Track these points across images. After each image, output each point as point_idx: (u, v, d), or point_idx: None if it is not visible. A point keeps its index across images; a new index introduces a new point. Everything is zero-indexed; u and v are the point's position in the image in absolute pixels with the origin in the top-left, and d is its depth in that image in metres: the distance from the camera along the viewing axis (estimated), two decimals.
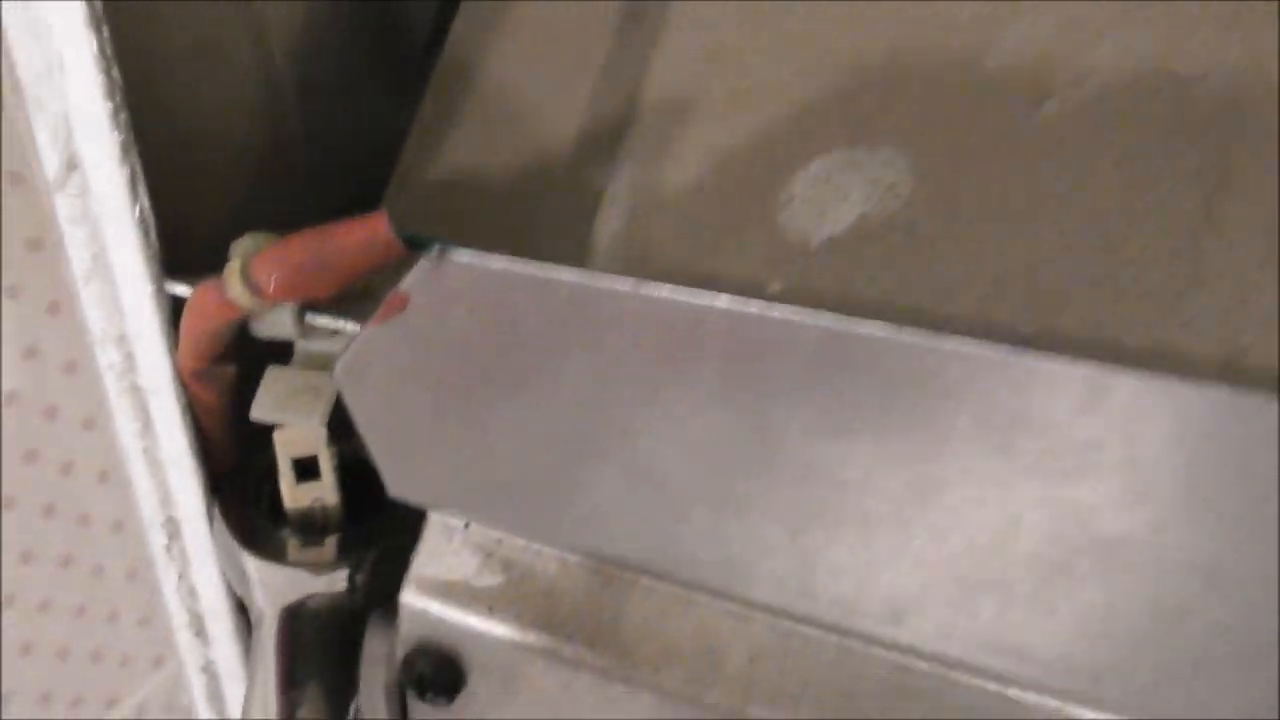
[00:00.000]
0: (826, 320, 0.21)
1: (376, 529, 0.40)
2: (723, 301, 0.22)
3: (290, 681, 0.36)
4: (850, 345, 0.21)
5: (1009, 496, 0.21)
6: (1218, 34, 0.31)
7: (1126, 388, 0.19)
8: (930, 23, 0.34)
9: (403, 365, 0.26)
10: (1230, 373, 0.24)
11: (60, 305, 0.39)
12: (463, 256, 0.22)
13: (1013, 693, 0.27)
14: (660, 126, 0.37)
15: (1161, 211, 0.30)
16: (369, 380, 0.27)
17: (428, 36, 0.47)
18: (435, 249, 0.22)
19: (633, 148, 0.38)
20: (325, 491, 0.41)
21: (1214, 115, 0.30)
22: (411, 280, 0.23)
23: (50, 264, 0.38)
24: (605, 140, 0.38)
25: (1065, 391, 0.19)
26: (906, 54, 0.34)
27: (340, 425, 0.39)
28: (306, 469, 0.40)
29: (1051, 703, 0.26)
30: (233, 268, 0.30)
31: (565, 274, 0.21)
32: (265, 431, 0.39)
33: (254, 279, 0.29)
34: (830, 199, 0.34)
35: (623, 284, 0.21)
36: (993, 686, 0.27)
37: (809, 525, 0.24)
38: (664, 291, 0.21)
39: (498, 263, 0.22)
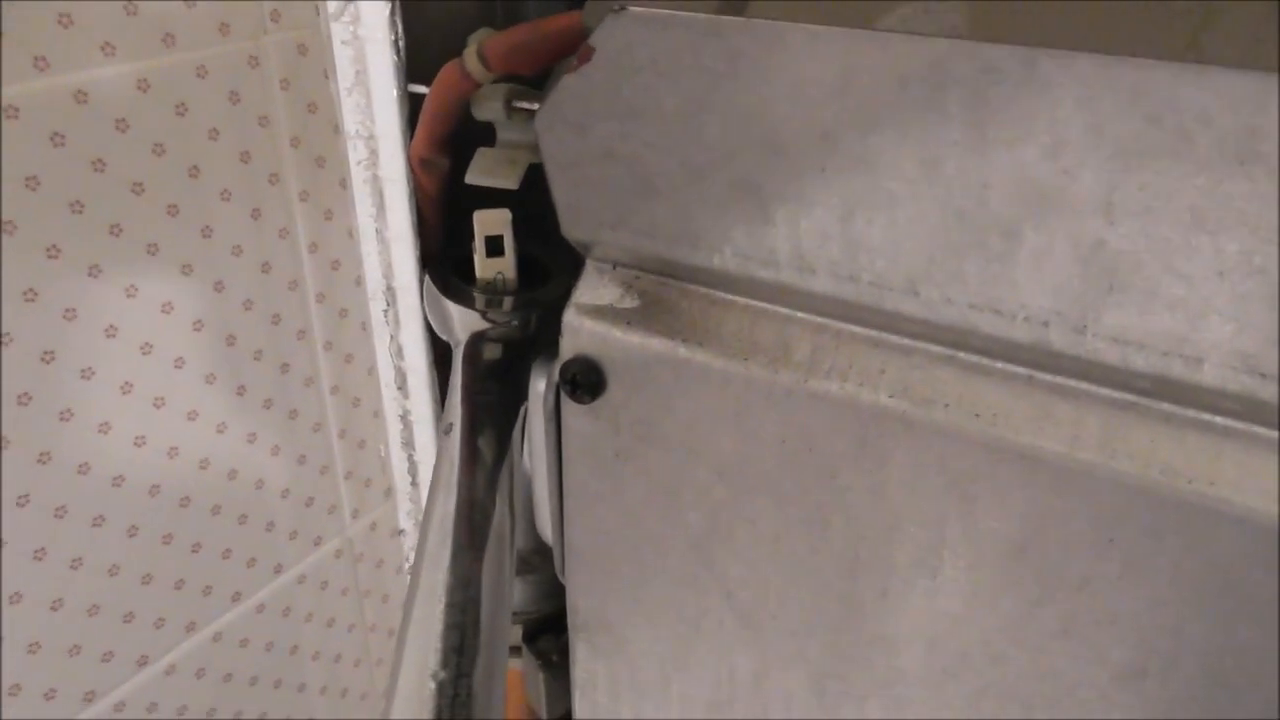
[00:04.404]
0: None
1: (539, 298, 0.53)
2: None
3: (475, 382, 0.49)
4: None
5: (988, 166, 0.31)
6: None
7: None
8: None
9: (586, 112, 0.38)
10: None
11: (318, 105, 0.53)
12: (638, 8, 0.33)
13: (991, 362, 0.37)
14: None
15: (1157, 39, 0.39)
16: (559, 127, 0.39)
17: None
18: (617, 5, 0.33)
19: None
20: (506, 267, 0.54)
21: None
22: (598, 33, 0.35)
23: (315, 69, 0.52)
24: None
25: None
26: None
27: (518, 227, 0.52)
28: (493, 248, 0.53)
29: (1020, 371, 0.37)
30: (471, 48, 0.42)
31: (725, 20, 0.32)
32: (462, 225, 0.53)
33: (485, 55, 0.41)
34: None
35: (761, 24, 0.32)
36: (973, 358, 0.37)
37: (853, 212, 0.35)
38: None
39: (666, 11, 0.33)
